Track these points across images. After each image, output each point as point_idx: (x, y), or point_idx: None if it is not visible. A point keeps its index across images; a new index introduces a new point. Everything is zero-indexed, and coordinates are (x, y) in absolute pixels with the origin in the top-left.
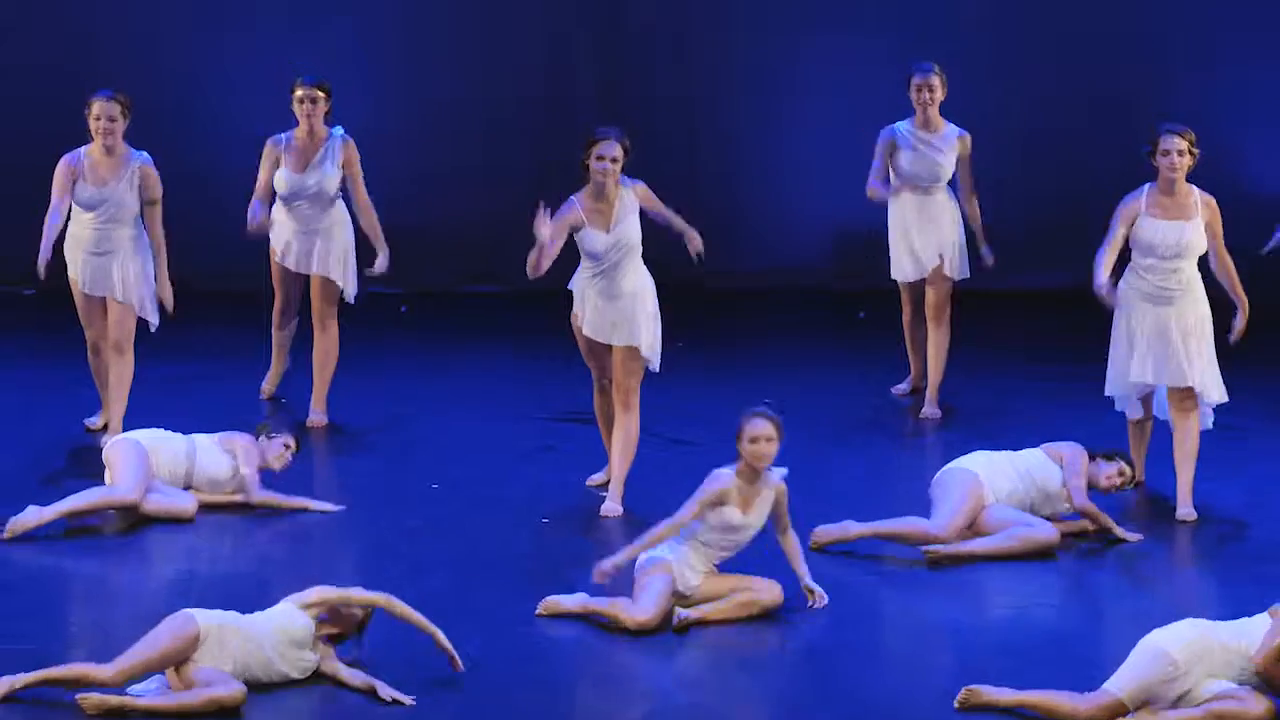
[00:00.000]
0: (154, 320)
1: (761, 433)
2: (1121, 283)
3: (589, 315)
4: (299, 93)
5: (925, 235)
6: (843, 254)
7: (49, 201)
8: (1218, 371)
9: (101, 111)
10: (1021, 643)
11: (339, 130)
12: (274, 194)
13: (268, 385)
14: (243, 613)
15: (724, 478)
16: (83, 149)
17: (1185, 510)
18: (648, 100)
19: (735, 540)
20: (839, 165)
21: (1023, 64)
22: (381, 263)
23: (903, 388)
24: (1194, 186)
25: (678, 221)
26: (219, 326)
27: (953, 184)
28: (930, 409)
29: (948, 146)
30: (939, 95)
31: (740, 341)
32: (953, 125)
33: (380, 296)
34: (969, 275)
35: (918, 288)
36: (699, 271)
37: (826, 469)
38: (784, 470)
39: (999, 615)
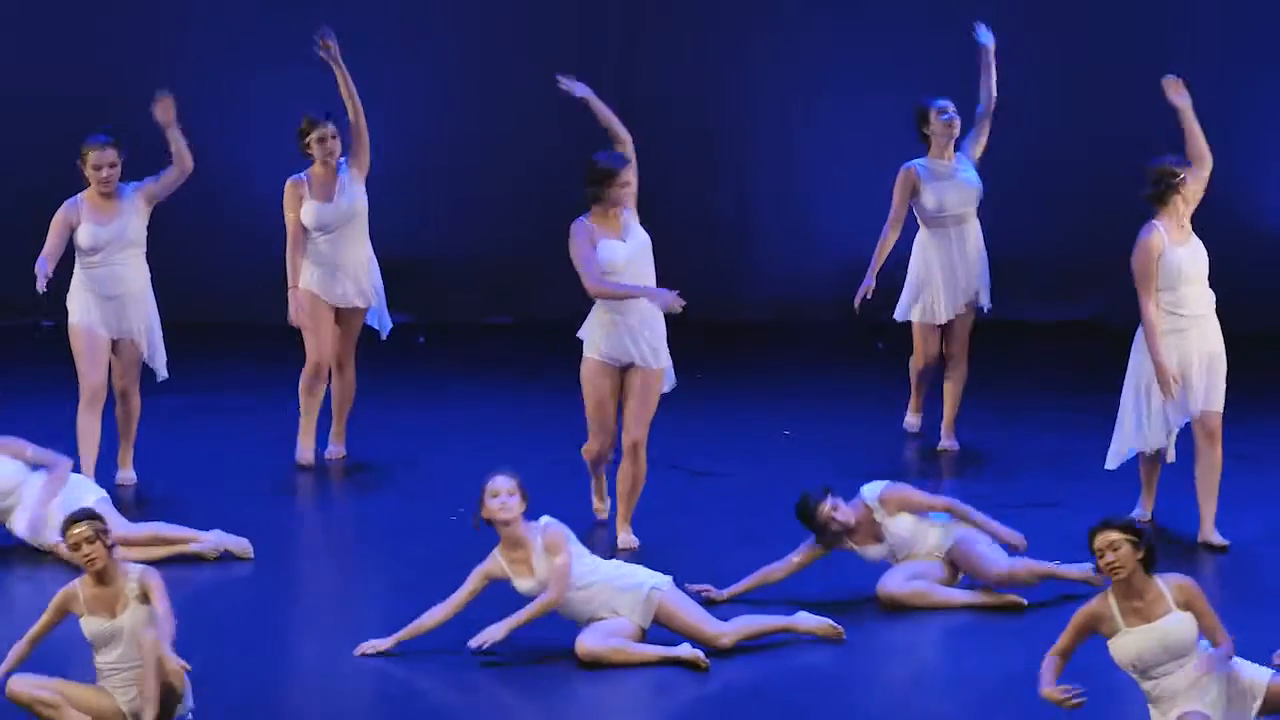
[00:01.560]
0: (162, 371)
1: (501, 487)
2: (1138, 336)
3: (607, 343)
4: (316, 132)
5: (961, 272)
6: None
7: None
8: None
9: (101, 160)
10: (1033, 671)
11: (343, 160)
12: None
13: (308, 451)
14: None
15: (487, 560)
16: (79, 196)
17: (1217, 537)
18: (665, 131)
19: (579, 597)
20: (858, 196)
21: (1039, 98)
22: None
23: (912, 421)
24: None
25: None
26: (234, 358)
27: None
28: (949, 441)
29: (965, 165)
30: (957, 130)
31: (759, 373)
32: (959, 153)
33: (398, 328)
34: (990, 306)
35: (934, 344)
36: (717, 302)
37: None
38: (547, 519)
39: (1010, 642)
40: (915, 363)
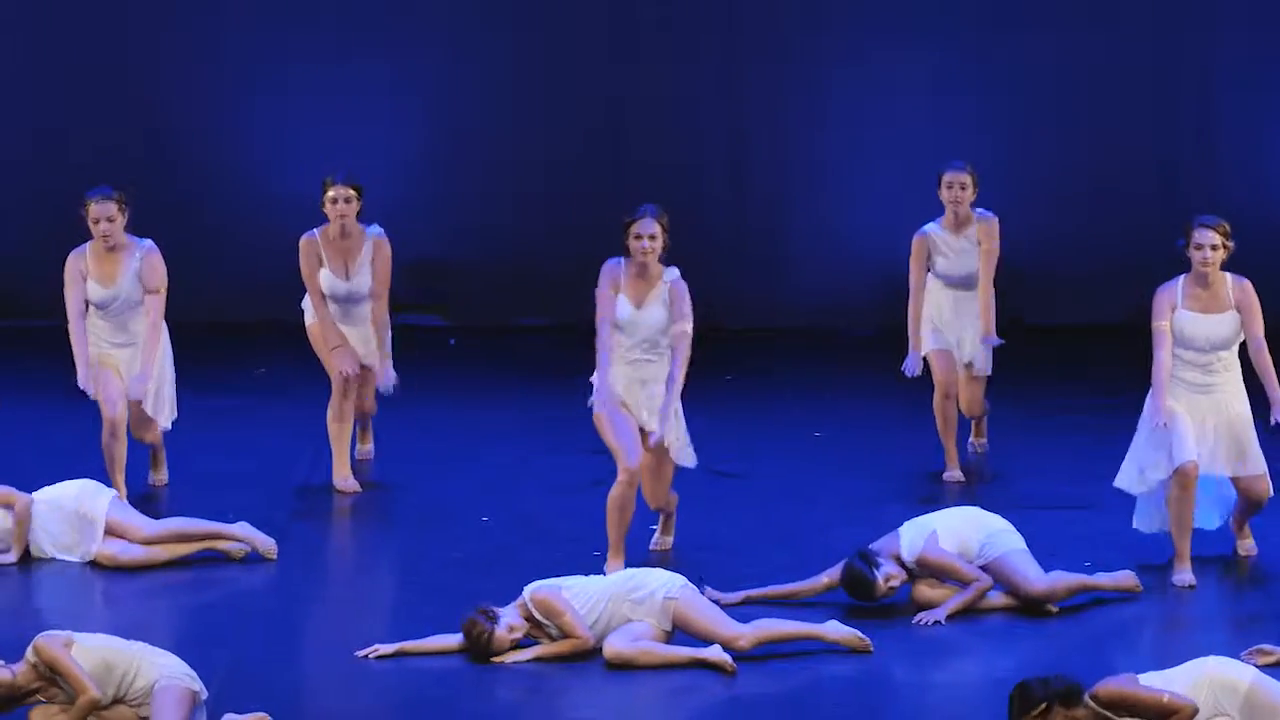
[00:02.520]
0: (165, 423)
1: (510, 631)
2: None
3: (619, 389)
4: (331, 192)
5: (958, 327)
6: (891, 296)
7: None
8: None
9: (99, 214)
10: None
11: (375, 230)
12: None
13: (348, 478)
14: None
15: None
16: (85, 246)
17: (1246, 545)
18: (697, 135)
19: (596, 630)
20: (892, 203)
21: (1070, 101)
22: (386, 380)
23: (953, 473)
24: (1228, 275)
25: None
26: (255, 358)
27: None
28: (978, 440)
29: (975, 245)
30: (970, 194)
31: (791, 377)
32: (980, 210)
33: (428, 330)
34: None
35: (950, 370)
36: (750, 309)
37: (870, 504)
38: (528, 589)
39: (1041, 646)
40: (937, 397)
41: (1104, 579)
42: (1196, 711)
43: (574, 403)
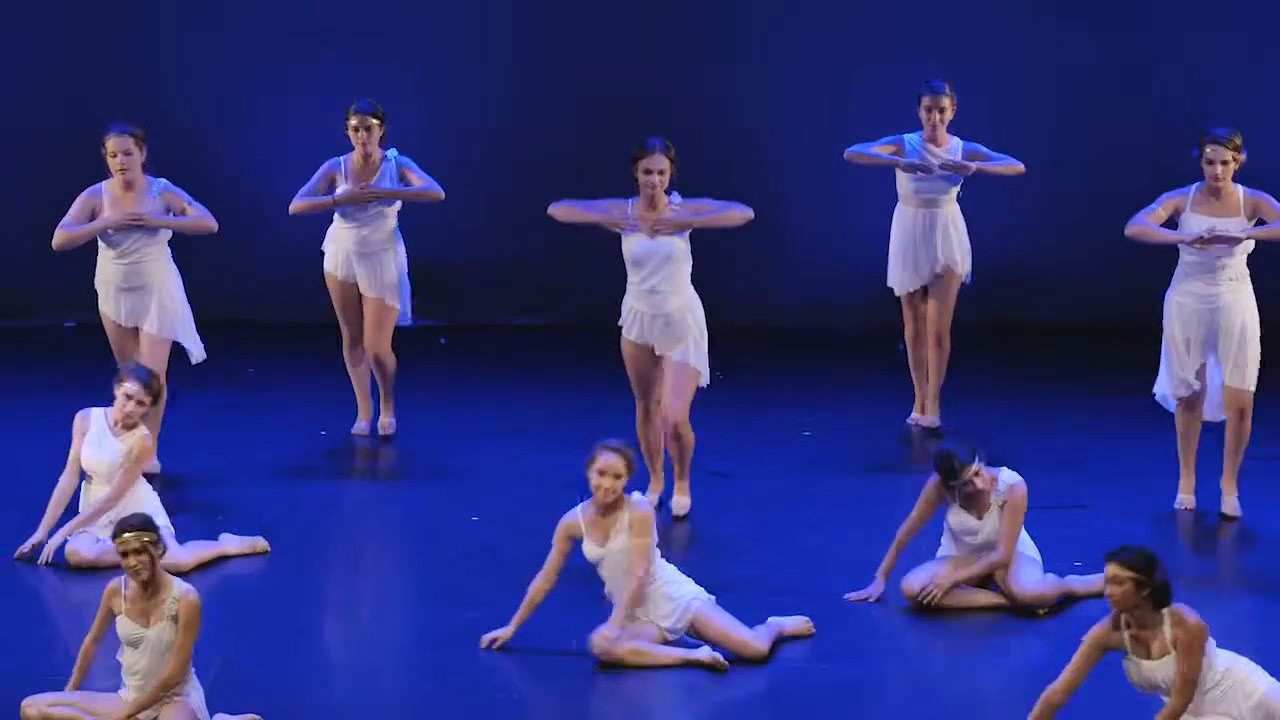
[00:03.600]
0: (197, 352)
1: (612, 468)
2: (1169, 291)
3: (637, 328)
4: (354, 120)
5: (929, 247)
6: (887, 296)
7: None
8: (1257, 366)
9: (116, 147)
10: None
11: (393, 152)
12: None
13: (360, 424)
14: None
15: (571, 514)
16: (103, 184)
17: (1230, 504)
18: (693, 132)
19: (609, 574)
20: (888, 200)
21: (1062, 99)
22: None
23: (916, 417)
24: (1240, 186)
25: (718, 215)
26: (248, 356)
27: (959, 200)
28: (929, 418)
29: (950, 157)
30: (949, 115)
31: (779, 376)
32: (957, 139)
33: (419, 329)
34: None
35: (918, 302)
36: (743, 308)
37: (864, 503)
38: (641, 496)
39: (1033, 641)
40: (907, 333)
41: (1078, 584)
42: (1182, 713)
43: (564, 401)
